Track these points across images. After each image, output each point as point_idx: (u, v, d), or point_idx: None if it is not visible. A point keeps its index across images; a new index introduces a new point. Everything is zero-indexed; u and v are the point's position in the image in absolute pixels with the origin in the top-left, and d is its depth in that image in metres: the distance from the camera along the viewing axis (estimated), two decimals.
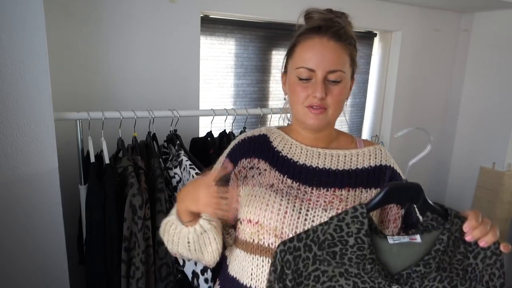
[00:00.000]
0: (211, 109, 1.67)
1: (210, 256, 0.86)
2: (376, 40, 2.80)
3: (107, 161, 1.39)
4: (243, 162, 0.92)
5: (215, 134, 1.74)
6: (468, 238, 0.70)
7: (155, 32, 1.83)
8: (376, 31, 2.76)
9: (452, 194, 3.15)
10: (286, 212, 0.83)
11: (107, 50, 1.74)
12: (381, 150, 0.95)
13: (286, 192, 0.86)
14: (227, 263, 0.96)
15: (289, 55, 0.91)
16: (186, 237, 0.84)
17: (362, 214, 0.68)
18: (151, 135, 1.58)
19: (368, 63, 2.82)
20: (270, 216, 0.83)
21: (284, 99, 0.96)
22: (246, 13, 2.05)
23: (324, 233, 0.68)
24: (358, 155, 0.93)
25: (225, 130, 1.75)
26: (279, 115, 1.83)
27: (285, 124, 1.06)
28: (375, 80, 2.86)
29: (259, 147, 0.94)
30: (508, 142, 2.72)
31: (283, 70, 0.96)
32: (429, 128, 3.04)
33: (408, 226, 0.92)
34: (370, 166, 0.91)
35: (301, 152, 0.92)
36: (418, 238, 0.70)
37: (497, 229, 0.72)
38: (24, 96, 1.22)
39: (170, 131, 1.63)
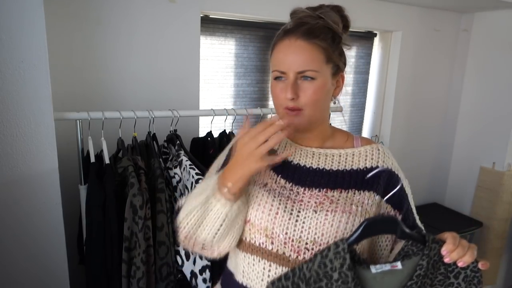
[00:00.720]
0: (211, 109, 1.67)
1: (230, 241, 0.84)
2: (376, 40, 2.80)
3: (107, 161, 1.39)
4: None
5: (215, 134, 1.74)
6: (446, 260, 0.74)
7: (155, 32, 1.83)
8: (376, 31, 2.76)
9: (452, 194, 3.15)
10: (277, 213, 0.83)
11: (107, 50, 1.74)
12: (378, 150, 0.92)
13: (279, 192, 0.86)
14: (228, 257, 0.97)
15: (270, 59, 0.92)
16: (225, 214, 0.80)
17: (344, 250, 0.70)
18: (151, 135, 1.58)
19: (368, 63, 2.82)
20: (261, 216, 0.83)
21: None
22: (246, 13, 2.05)
23: (310, 270, 0.71)
24: (353, 154, 0.91)
25: (225, 130, 1.75)
26: None
27: None
28: (375, 80, 2.86)
29: None
30: (508, 142, 2.72)
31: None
32: (429, 128, 3.05)
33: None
34: (366, 167, 0.89)
35: (295, 152, 0.92)
36: (399, 265, 0.73)
37: (475, 249, 0.75)
38: (24, 96, 1.22)
39: (170, 131, 1.63)
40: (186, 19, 1.89)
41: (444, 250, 0.73)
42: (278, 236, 0.82)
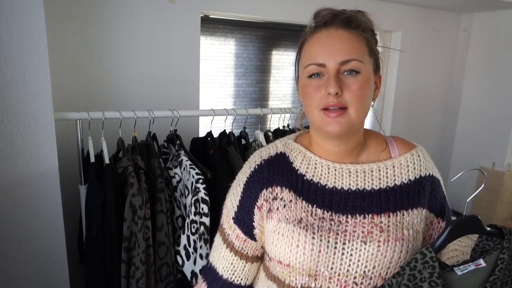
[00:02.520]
0: (211, 109, 1.67)
1: None
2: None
3: (107, 161, 1.39)
4: (264, 194, 0.79)
5: (215, 134, 1.74)
6: None
7: (155, 32, 1.83)
8: (376, 31, 2.75)
9: (452, 194, 3.14)
10: (320, 251, 0.73)
11: (107, 50, 1.74)
12: (419, 156, 0.82)
13: (318, 226, 0.75)
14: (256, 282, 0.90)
15: (298, 60, 0.80)
16: None
17: (432, 258, 0.68)
18: (151, 135, 1.58)
19: None
20: (303, 258, 0.73)
21: (300, 110, 0.86)
22: (246, 13, 2.05)
23: (399, 285, 0.69)
24: (394, 167, 0.79)
25: (225, 130, 1.75)
26: (279, 115, 1.84)
27: (286, 126, 0.96)
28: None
29: (279, 172, 0.80)
30: (508, 142, 2.73)
31: (296, 79, 0.83)
32: (429, 128, 3.05)
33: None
34: (410, 180, 0.79)
35: (329, 173, 0.78)
36: (482, 262, 0.71)
37: None
38: (24, 96, 1.22)
39: (170, 131, 1.63)
40: (186, 19, 1.89)
41: None
42: (323, 273, 0.74)
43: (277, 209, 0.78)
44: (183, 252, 1.40)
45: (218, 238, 0.88)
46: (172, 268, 1.40)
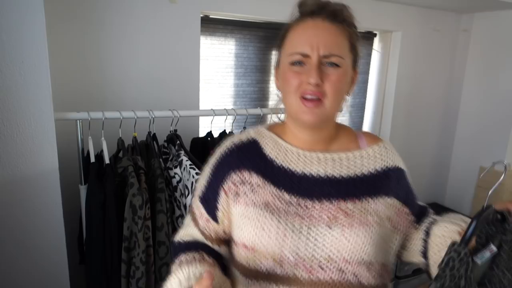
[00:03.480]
0: (211, 109, 1.67)
1: None
2: (376, 40, 2.80)
3: (107, 161, 1.39)
4: (232, 177, 0.80)
5: (215, 134, 1.74)
6: None
7: (156, 32, 1.83)
8: (376, 31, 2.76)
9: (452, 194, 3.16)
10: (285, 235, 0.74)
11: (107, 50, 1.74)
12: (386, 148, 0.86)
13: (284, 210, 0.76)
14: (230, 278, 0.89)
15: (280, 46, 0.81)
16: None
17: (466, 255, 0.70)
18: (151, 135, 1.58)
19: (368, 63, 2.82)
20: (268, 241, 0.74)
21: (277, 96, 0.85)
22: (246, 13, 2.05)
23: (445, 286, 0.71)
24: (362, 157, 0.82)
25: (225, 130, 1.75)
26: (279, 115, 1.83)
27: (277, 121, 0.94)
28: (375, 80, 2.86)
29: (249, 157, 0.81)
30: (508, 142, 2.73)
31: (275, 65, 0.85)
32: (429, 128, 3.05)
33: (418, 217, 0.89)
34: (376, 170, 0.82)
35: (299, 159, 0.80)
36: (494, 248, 0.74)
37: None
38: (24, 96, 1.22)
39: (170, 131, 1.63)
40: (186, 19, 1.89)
41: None
42: (288, 258, 0.74)
43: (245, 193, 0.79)
44: None
45: (187, 218, 0.90)
46: None
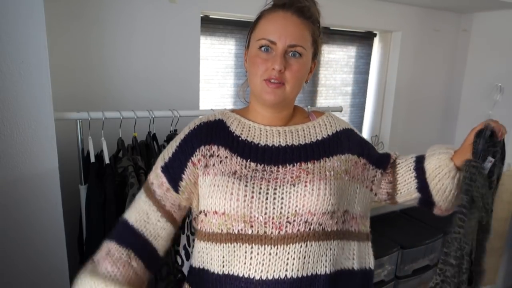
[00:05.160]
0: (211, 109, 1.67)
1: None
2: (376, 40, 2.81)
3: (107, 161, 1.39)
4: (202, 150, 0.89)
5: None
6: (500, 136, 0.87)
7: (155, 32, 1.83)
8: (376, 31, 2.76)
9: None
10: (252, 197, 0.82)
11: (107, 50, 1.74)
12: (332, 117, 0.98)
13: (251, 176, 0.84)
14: (192, 257, 0.95)
15: (251, 31, 0.91)
16: None
17: (482, 167, 0.84)
18: (151, 135, 1.58)
19: (368, 63, 2.82)
20: (236, 204, 0.82)
21: (245, 76, 0.95)
22: (246, 13, 2.05)
23: (479, 193, 0.83)
24: (314, 127, 0.94)
25: None
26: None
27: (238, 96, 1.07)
28: (375, 80, 2.86)
29: (216, 133, 0.91)
30: (508, 142, 2.72)
31: (246, 46, 0.95)
32: (429, 128, 3.05)
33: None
34: (328, 135, 0.94)
35: (261, 133, 0.91)
36: (492, 159, 0.86)
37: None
38: (24, 96, 1.22)
39: (170, 131, 1.63)
40: (186, 19, 1.89)
41: (498, 132, 0.87)
42: (257, 218, 0.81)
43: (213, 165, 0.87)
44: (182, 252, 1.40)
45: (138, 194, 0.95)
46: (172, 268, 1.40)
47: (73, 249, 1.54)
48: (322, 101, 2.64)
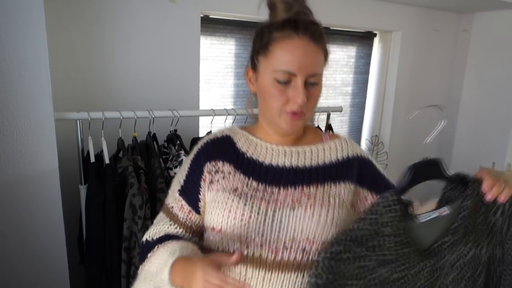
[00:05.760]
0: (211, 109, 1.67)
1: None
2: (376, 40, 2.81)
3: (107, 161, 1.39)
4: (208, 166, 0.87)
5: None
6: (488, 197, 0.73)
7: (155, 32, 1.83)
8: (376, 31, 2.76)
9: None
10: (250, 217, 0.78)
11: (107, 50, 1.74)
12: (346, 142, 0.92)
13: (251, 195, 0.81)
14: None
15: (263, 52, 0.83)
16: None
17: (394, 202, 0.69)
18: (151, 135, 1.58)
19: (368, 63, 2.82)
20: (233, 223, 0.79)
21: (252, 98, 0.92)
22: (246, 13, 2.05)
23: (361, 229, 0.69)
24: (324, 149, 0.90)
25: None
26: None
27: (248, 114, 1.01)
28: (375, 80, 2.86)
29: (223, 149, 0.89)
30: (508, 142, 2.73)
31: (249, 65, 0.89)
32: (429, 128, 3.04)
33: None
34: (338, 160, 0.88)
35: (267, 152, 0.88)
36: (446, 209, 0.72)
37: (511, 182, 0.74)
38: (24, 96, 1.22)
39: (170, 131, 1.63)
40: (186, 19, 1.89)
41: (485, 188, 0.73)
42: (254, 239, 0.78)
43: (218, 181, 0.85)
44: None
45: (159, 216, 0.92)
46: None
47: (73, 249, 1.54)
48: (322, 101, 2.63)
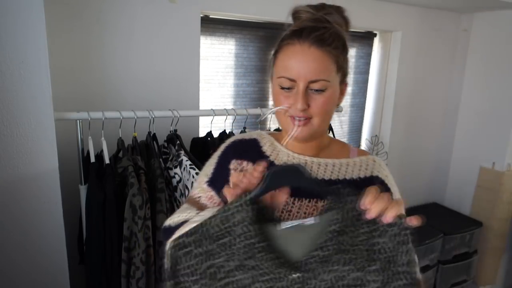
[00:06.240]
0: (211, 109, 1.67)
1: None
2: (376, 40, 2.81)
3: (107, 161, 1.39)
4: (233, 164, 0.89)
5: (215, 134, 1.74)
6: (367, 215, 0.64)
7: (155, 32, 1.83)
8: (376, 31, 2.76)
9: (452, 194, 3.15)
10: None
11: (107, 50, 1.74)
12: (374, 161, 0.89)
13: None
14: None
15: (272, 61, 0.86)
16: None
17: (246, 202, 0.66)
18: (151, 135, 1.58)
19: (368, 63, 2.82)
20: None
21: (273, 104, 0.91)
22: (246, 13, 2.05)
23: (213, 226, 0.66)
24: (348, 165, 0.88)
25: (225, 130, 1.75)
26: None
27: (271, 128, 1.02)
28: (375, 80, 2.86)
29: (249, 151, 0.91)
30: (508, 142, 2.73)
31: (270, 75, 0.90)
32: (429, 128, 3.05)
33: None
34: (359, 177, 0.86)
35: (288, 159, 0.88)
36: (311, 220, 0.67)
37: (402, 204, 0.65)
38: (24, 96, 1.22)
39: (170, 131, 1.63)
40: (186, 19, 1.89)
41: (362, 204, 0.63)
42: None
43: None
44: None
45: (183, 207, 0.91)
46: None
47: (73, 249, 1.54)
48: None
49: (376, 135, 2.90)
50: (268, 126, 2.23)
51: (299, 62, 0.78)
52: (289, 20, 0.85)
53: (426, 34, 2.78)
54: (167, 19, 1.84)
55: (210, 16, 2.06)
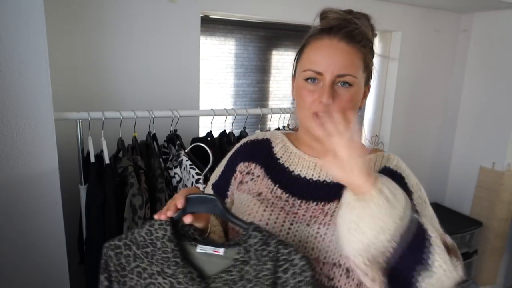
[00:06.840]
0: (211, 109, 1.67)
1: None
2: (376, 40, 2.80)
3: (107, 161, 1.39)
4: (241, 167, 0.90)
5: (215, 134, 1.74)
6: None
7: (155, 32, 1.83)
8: (376, 31, 2.75)
9: (452, 194, 3.15)
10: (267, 224, 0.78)
11: (107, 50, 1.74)
12: (382, 156, 0.87)
13: (273, 202, 0.81)
14: None
15: (298, 57, 0.85)
16: None
17: (166, 222, 0.74)
18: (151, 135, 1.58)
19: None
20: None
21: (292, 103, 0.92)
22: (246, 13, 2.05)
23: (139, 235, 0.76)
24: None
25: (225, 130, 1.75)
26: (279, 115, 1.84)
27: (287, 126, 1.02)
28: (375, 80, 2.86)
29: (259, 152, 0.90)
30: (508, 142, 2.72)
31: (292, 73, 0.89)
32: (429, 128, 3.05)
33: None
34: None
35: (298, 161, 0.86)
36: (221, 251, 0.74)
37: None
38: (24, 96, 1.22)
39: (170, 131, 1.63)
40: (186, 19, 1.89)
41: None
42: None
43: (247, 182, 0.87)
44: None
45: None
46: None
47: (73, 249, 1.54)
48: None
49: (376, 135, 2.90)
50: (268, 126, 2.23)
51: (327, 55, 0.77)
52: (316, 22, 0.84)
53: (426, 34, 2.78)
54: (167, 19, 1.84)
55: (210, 16, 2.06)
